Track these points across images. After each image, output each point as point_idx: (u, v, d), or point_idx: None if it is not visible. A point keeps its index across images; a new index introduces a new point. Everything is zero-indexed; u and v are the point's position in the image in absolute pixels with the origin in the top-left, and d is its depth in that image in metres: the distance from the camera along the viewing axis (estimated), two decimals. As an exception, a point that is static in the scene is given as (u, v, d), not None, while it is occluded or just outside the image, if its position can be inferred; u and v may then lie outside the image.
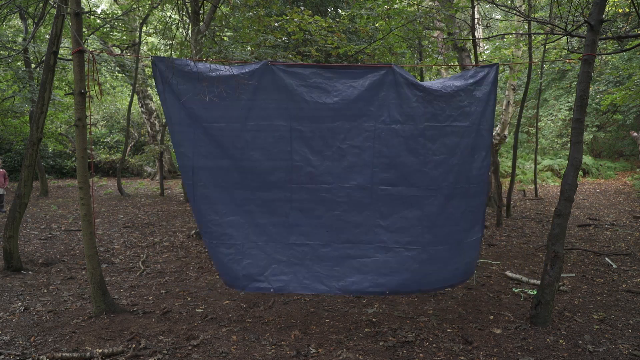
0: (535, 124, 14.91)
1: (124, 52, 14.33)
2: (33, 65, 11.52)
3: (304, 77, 3.91)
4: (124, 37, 14.31)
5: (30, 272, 5.61)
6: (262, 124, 3.92)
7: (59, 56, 5.70)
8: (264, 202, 4.01)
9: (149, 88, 16.76)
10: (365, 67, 4.19)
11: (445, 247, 4.07)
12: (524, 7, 10.60)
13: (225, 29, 8.70)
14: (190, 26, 7.65)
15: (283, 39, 9.28)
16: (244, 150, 3.93)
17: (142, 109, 17.11)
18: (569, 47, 7.71)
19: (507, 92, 13.03)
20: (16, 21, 14.66)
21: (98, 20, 12.26)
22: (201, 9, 7.49)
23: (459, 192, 4.04)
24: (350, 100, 3.91)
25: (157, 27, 14.83)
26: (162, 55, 13.83)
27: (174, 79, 3.77)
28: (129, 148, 18.45)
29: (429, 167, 3.96)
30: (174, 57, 10.67)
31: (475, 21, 9.93)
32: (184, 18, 9.11)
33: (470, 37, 9.07)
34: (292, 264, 4.05)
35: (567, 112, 17.75)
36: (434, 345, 3.63)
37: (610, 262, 6.00)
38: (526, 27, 10.46)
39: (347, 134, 3.95)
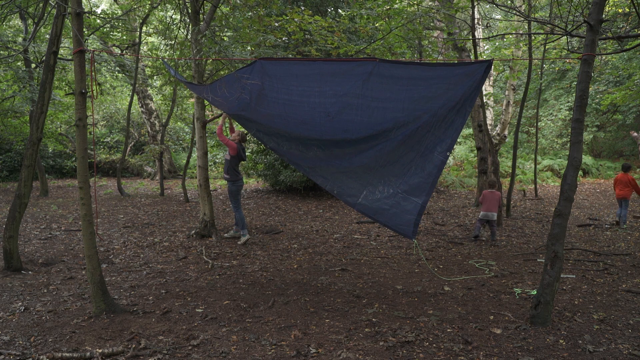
0: (535, 124, 14.92)
1: (124, 52, 14.33)
2: (33, 65, 11.52)
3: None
4: (124, 37, 14.31)
5: (30, 272, 5.61)
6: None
7: (59, 56, 5.71)
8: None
9: (149, 88, 16.76)
10: (351, 60, 4.35)
11: (390, 178, 4.84)
12: (524, 7, 10.61)
13: (225, 29, 8.69)
14: (190, 26, 7.65)
15: (283, 38, 9.27)
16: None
17: (142, 109, 17.10)
18: (569, 47, 7.71)
19: (507, 92, 13.06)
20: (16, 21, 14.67)
21: (98, 20, 12.26)
22: (201, 9, 7.50)
23: (416, 151, 4.63)
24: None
25: (157, 27, 14.84)
26: (162, 54, 13.84)
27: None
28: (129, 148, 18.46)
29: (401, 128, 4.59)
30: (176, 56, 10.67)
31: (475, 21, 9.94)
32: (184, 18, 9.13)
33: (470, 37, 9.08)
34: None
35: (567, 112, 17.76)
36: (434, 345, 3.64)
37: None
38: (526, 27, 10.47)
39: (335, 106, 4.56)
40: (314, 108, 4.50)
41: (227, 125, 7.82)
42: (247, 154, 12.52)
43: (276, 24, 7.73)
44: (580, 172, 16.28)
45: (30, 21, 11.39)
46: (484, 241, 7.43)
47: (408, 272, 5.78)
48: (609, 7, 11.56)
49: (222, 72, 8.67)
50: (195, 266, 5.98)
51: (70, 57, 10.92)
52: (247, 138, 12.33)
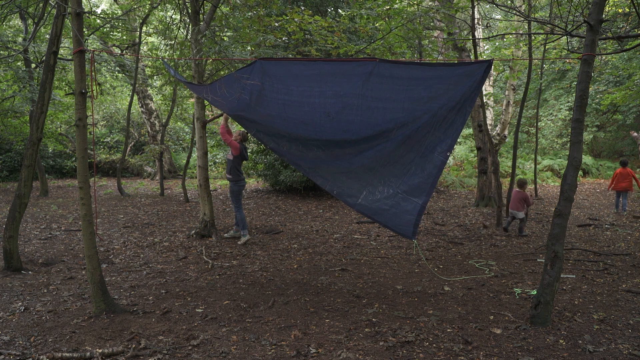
0: (535, 124, 14.92)
1: (124, 52, 14.33)
2: (33, 65, 11.52)
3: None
4: (124, 37, 14.31)
5: (30, 272, 5.61)
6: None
7: (59, 56, 5.71)
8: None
9: (149, 88, 16.77)
10: (351, 60, 4.34)
11: (391, 178, 4.82)
12: (524, 7, 10.61)
13: (225, 29, 8.69)
14: (190, 26, 7.65)
15: (283, 38, 9.27)
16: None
17: (142, 109, 17.11)
18: (569, 47, 7.71)
19: (507, 92, 13.05)
20: (16, 21, 14.67)
21: (98, 20, 12.27)
22: (201, 9, 7.50)
23: (416, 152, 4.62)
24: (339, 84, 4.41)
25: (157, 27, 14.84)
26: (162, 54, 13.84)
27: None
28: (129, 148, 18.46)
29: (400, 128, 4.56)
30: (176, 56, 10.68)
31: (475, 21, 9.94)
32: (184, 18, 9.13)
33: (470, 37, 9.07)
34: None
35: (567, 112, 17.76)
36: (434, 345, 3.64)
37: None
38: (526, 27, 10.47)
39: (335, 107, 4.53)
40: (314, 108, 4.50)
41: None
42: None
43: (276, 24, 7.73)
44: (580, 172, 16.28)
45: (30, 21, 11.39)
46: (484, 241, 7.43)
47: (408, 272, 5.78)
48: (609, 7, 11.56)
49: (222, 72, 8.67)
50: (195, 266, 5.98)
51: (70, 57, 10.92)
52: (248, 137, 12.34)
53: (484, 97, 11.79)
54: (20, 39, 11.56)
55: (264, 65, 4.24)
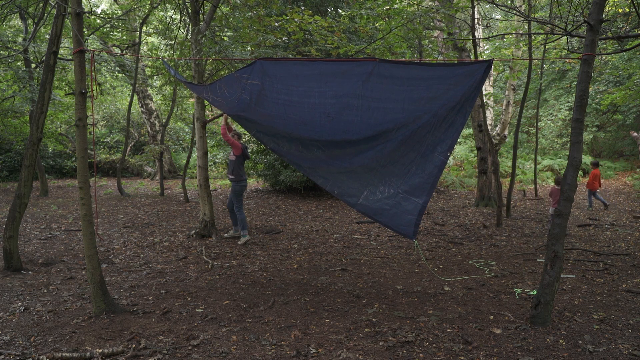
0: (535, 124, 14.92)
1: (124, 52, 14.33)
2: (33, 65, 11.52)
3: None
4: (124, 37, 14.31)
5: (30, 272, 5.61)
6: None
7: (59, 56, 5.71)
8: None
9: (149, 88, 16.77)
10: (351, 60, 4.33)
11: (392, 179, 4.84)
12: (524, 7, 10.61)
13: (225, 29, 8.69)
14: (190, 26, 7.65)
15: (283, 38, 9.28)
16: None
17: (142, 109, 17.11)
18: (569, 47, 7.72)
19: (507, 92, 13.05)
20: (16, 21, 14.67)
21: (98, 20, 12.27)
22: (201, 9, 7.50)
23: (417, 151, 4.59)
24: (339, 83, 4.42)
25: (157, 27, 14.84)
26: (162, 54, 13.84)
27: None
28: (129, 148, 18.46)
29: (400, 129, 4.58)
30: (176, 56, 10.67)
31: (475, 21, 9.94)
32: (184, 18, 9.13)
33: (470, 37, 9.08)
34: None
35: (567, 112, 17.76)
36: (434, 345, 3.63)
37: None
38: (526, 27, 10.47)
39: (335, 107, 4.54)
40: (314, 109, 4.51)
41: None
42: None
43: (276, 24, 7.73)
44: (580, 172, 16.27)
45: (30, 21, 11.39)
46: (484, 241, 7.43)
47: (408, 272, 5.78)
48: (609, 7, 11.56)
49: (222, 72, 8.67)
50: (195, 266, 5.98)
51: (70, 57, 10.92)
52: (247, 138, 12.35)
53: (484, 97, 11.79)
54: (20, 39, 11.57)
55: (264, 65, 4.24)
